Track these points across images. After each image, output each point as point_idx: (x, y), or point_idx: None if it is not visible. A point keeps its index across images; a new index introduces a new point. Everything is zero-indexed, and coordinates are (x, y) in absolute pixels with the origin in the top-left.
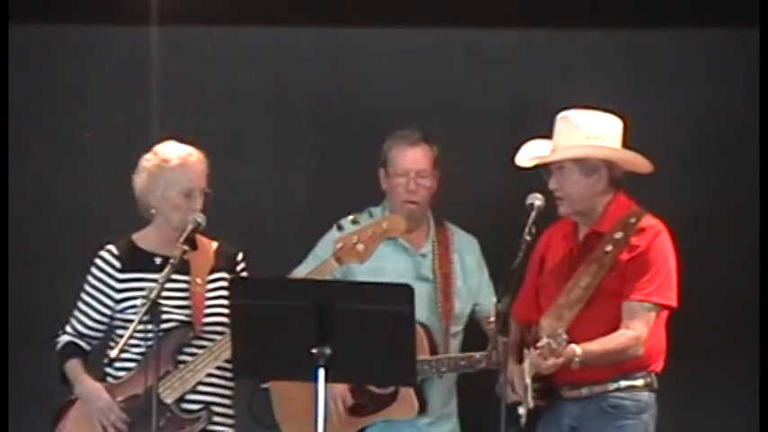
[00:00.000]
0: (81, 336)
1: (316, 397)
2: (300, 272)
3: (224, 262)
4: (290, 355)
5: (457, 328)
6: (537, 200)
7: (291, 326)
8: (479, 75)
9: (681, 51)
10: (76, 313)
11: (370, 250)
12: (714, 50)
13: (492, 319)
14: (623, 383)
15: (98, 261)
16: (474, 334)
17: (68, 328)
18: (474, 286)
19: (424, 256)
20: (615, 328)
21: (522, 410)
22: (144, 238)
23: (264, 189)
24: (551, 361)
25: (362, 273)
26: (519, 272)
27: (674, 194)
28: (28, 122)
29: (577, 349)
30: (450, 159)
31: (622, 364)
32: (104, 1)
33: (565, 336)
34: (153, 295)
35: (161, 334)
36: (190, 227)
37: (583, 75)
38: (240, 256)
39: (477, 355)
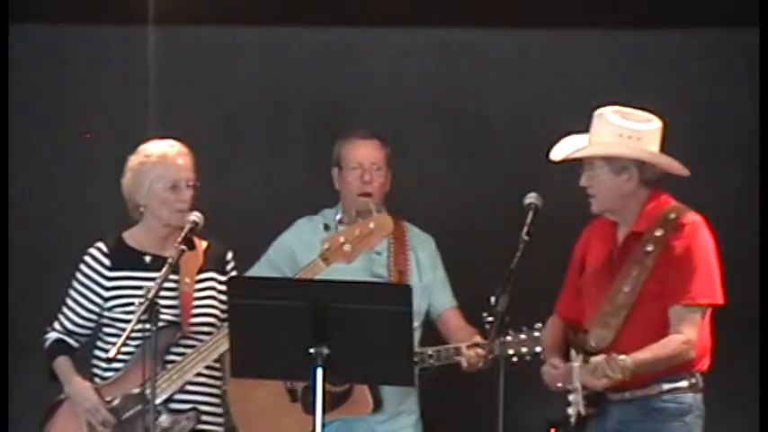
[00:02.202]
0: (69, 333)
1: (314, 397)
2: (253, 274)
3: (213, 262)
4: (288, 355)
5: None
6: (535, 200)
7: (289, 326)
8: (476, 75)
9: (681, 51)
10: (65, 310)
11: (358, 250)
12: (714, 50)
13: (490, 318)
14: (666, 386)
15: (87, 258)
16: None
17: (56, 325)
18: (428, 284)
19: (378, 253)
20: (663, 334)
21: (570, 411)
22: (133, 237)
23: (261, 189)
24: (605, 381)
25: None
26: (516, 272)
27: (672, 194)
28: (28, 122)
29: (627, 360)
30: (447, 160)
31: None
32: (103, 1)
33: (626, 366)
34: (151, 295)
35: (153, 334)
36: (188, 227)
37: (582, 75)
38: (230, 256)
39: (430, 350)
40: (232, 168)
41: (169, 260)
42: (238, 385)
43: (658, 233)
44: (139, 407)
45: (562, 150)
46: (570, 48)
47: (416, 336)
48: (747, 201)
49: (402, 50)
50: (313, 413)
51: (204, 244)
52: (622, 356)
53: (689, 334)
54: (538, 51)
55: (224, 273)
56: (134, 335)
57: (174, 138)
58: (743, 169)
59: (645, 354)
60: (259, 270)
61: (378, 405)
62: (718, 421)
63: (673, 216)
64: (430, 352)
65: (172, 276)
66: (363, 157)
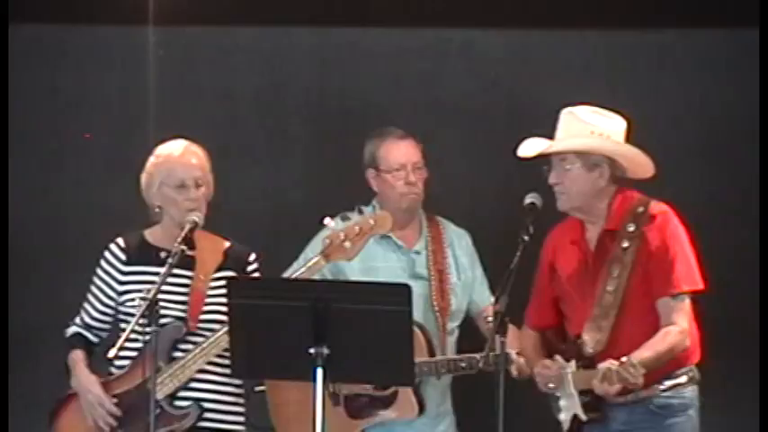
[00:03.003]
0: (88, 327)
1: (314, 397)
2: (290, 274)
3: (233, 261)
4: (288, 355)
5: (453, 324)
6: (535, 199)
7: (290, 326)
8: (475, 75)
9: (681, 51)
10: (85, 304)
11: (358, 247)
12: (714, 50)
13: (490, 318)
14: (668, 383)
15: (106, 254)
16: (468, 332)
17: (77, 319)
18: (468, 281)
19: (417, 253)
20: (655, 327)
21: (563, 417)
22: (153, 234)
23: (261, 189)
24: (618, 387)
25: (355, 273)
26: (516, 272)
27: (673, 194)
28: (27, 122)
29: (633, 361)
30: (448, 160)
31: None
32: (103, 1)
33: (642, 369)
34: (151, 295)
35: (153, 333)
36: (187, 227)
37: (582, 75)
38: (252, 257)
39: (478, 356)
40: (232, 168)
41: (169, 260)
42: (276, 389)
43: (631, 228)
44: (144, 402)
45: (532, 148)
46: (570, 48)
47: (453, 337)
48: (747, 200)
49: (401, 51)
50: (313, 413)
51: (227, 244)
52: (626, 358)
53: (682, 323)
54: (538, 51)
55: (243, 273)
56: (140, 332)
57: (183, 137)
58: (742, 169)
59: (646, 351)
60: (296, 267)
61: (422, 408)
62: (718, 421)
63: (641, 209)
64: (479, 357)
65: (186, 273)
66: (405, 159)
